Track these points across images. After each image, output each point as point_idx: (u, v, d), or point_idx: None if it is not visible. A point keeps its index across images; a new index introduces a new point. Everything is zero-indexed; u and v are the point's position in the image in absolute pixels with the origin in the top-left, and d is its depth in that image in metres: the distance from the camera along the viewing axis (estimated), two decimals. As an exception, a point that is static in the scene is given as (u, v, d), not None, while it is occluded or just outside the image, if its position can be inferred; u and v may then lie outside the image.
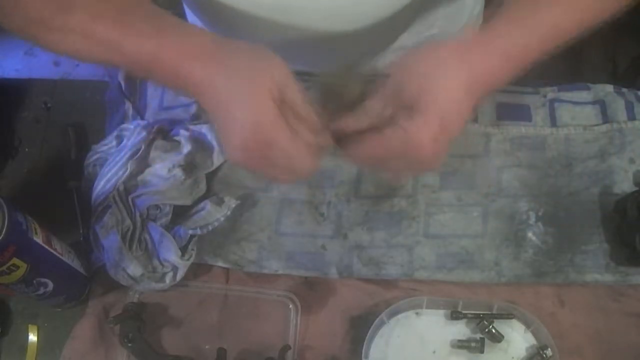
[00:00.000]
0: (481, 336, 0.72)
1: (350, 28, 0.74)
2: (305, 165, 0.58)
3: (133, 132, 0.77)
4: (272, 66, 0.56)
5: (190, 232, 0.73)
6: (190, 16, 0.90)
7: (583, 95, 0.86)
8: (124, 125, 0.80)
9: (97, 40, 0.57)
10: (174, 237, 0.73)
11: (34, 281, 0.66)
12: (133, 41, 0.56)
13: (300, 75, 0.85)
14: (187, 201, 0.76)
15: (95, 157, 0.79)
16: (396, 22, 0.76)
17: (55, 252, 0.67)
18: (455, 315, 0.72)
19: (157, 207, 0.75)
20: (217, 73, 0.55)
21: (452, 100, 0.57)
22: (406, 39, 0.84)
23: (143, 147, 0.75)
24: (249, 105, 0.54)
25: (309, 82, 0.84)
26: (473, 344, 0.72)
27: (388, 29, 0.79)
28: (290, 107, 0.56)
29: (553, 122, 0.84)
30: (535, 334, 0.72)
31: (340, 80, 0.64)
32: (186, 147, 0.77)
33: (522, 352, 0.72)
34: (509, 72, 0.60)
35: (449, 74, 0.57)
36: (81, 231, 0.78)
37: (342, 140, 0.61)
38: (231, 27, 0.79)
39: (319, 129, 0.59)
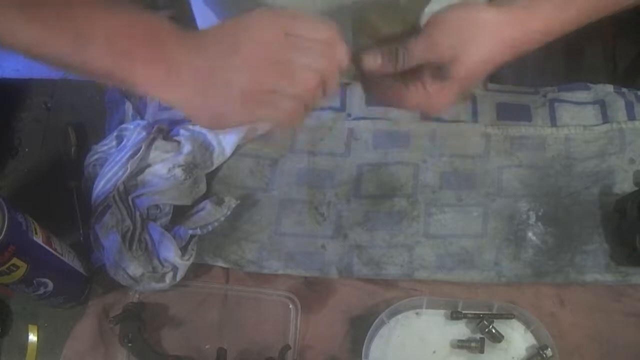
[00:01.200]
0: (481, 336, 0.72)
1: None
2: (339, 54, 0.54)
3: (133, 132, 0.77)
4: (266, 12, 0.52)
5: (190, 232, 0.73)
6: (198, 10, 0.90)
7: (583, 95, 0.86)
8: (124, 125, 0.80)
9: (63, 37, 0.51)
10: (174, 237, 0.73)
11: (34, 281, 0.66)
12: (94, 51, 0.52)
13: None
14: (187, 201, 0.76)
15: (95, 157, 0.79)
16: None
17: (55, 252, 0.67)
18: (455, 315, 0.72)
19: (157, 207, 0.75)
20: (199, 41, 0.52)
21: (479, 64, 0.58)
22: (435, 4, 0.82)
23: (143, 147, 0.75)
24: (254, 43, 0.51)
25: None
26: (473, 344, 0.72)
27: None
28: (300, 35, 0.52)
29: (553, 122, 0.84)
30: (535, 334, 0.72)
31: (379, 13, 0.65)
32: (186, 147, 0.77)
33: (522, 352, 0.72)
34: (542, 41, 0.60)
35: (485, 40, 0.57)
36: (81, 231, 0.78)
37: (364, 75, 0.61)
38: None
39: (337, 45, 0.54)
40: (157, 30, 0.52)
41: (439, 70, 0.58)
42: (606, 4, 0.63)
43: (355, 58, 0.59)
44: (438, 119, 0.84)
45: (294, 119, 0.55)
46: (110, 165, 0.75)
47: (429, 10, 0.67)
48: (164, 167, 0.75)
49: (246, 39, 0.51)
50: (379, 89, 0.62)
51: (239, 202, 0.76)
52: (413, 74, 0.59)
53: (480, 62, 0.58)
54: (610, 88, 0.86)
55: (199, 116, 0.54)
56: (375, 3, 0.73)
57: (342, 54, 0.54)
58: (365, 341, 0.70)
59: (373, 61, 0.59)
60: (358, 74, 0.61)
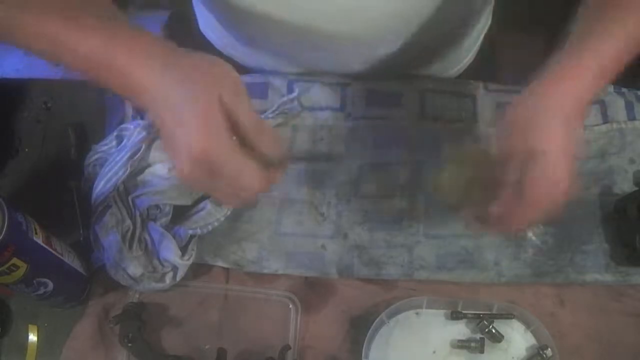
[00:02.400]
0: (481, 336, 0.72)
1: (351, 28, 0.74)
2: (253, 189, 0.55)
3: (133, 132, 0.77)
4: (225, 77, 0.54)
5: (190, 232, 0.73)
6: (200, 11, 0.90)
7: (583, 95, 0.85)
8: (124, 125, 0.80)
9: (45, 36, 0.54)
10: (174, 237, 0.73)
11: (34, 281, 0.66)
12: (82, 38, 0.54)
13: (303, 76, 0.86)
14: (187, 201, 0.76)
15: (95, 157, 0.79)
16: (407, 20, 0.76)
17: (55, 252, 0.67)
18: (455, 315, 0.72)
19: (157, 207, 0.75)
20: (168, 81, 0.53)
21: (570, 134, 0.57)
22: (422, 36, 0.82)
23: (143, 147, 0.75)
24: (196, 125, 0.51)
25: (311, 83, 0.85)
26: (473, 344, 0.72)
27: (399, 28, 0.78)
28: (242, 121, 0.54)
29: (553, 122, 0.84)
30: (535, 334, 0.72)
31: (472, 157, 0.66)
32: None
33: (522, 352, 0.72)
34: (605, 82, 0.61)
35: (560, 117, 0.57)
36: (81, 231, 0.78)
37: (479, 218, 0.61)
38: (247, 26, 0.79)
39: (274, 145, 0.56)
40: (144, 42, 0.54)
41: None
42: None
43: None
44: (438, 119, 0.84)
45: (232, 204, 0.55)
46: (110, 165, 0.75)
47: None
48: (164, 167, 0.75)
49: (190, 116, 0.51)
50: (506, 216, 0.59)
51: None
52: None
53: (563, 127, 0.57)
54: (610, 88, 0.86)
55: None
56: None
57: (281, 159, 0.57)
58: (365, 341, 0.70)
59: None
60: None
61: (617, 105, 0.84)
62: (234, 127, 0.53)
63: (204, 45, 0.93)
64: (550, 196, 0.56)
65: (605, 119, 0.83)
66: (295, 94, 0.83)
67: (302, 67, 0.87)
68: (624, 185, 0.79)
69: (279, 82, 0.86)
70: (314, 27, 0.73)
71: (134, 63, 0.53)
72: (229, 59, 0.88)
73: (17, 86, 0.90)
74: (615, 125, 0.82)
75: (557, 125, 0.56)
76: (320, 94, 0.85)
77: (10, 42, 0.57)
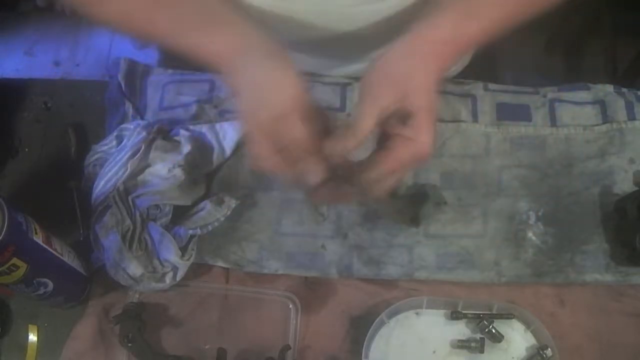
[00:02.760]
0: (481, 336, 0.72)
1: (351, 28, 0.74)
2: (298, 146, 0.58)
3: (133, 132, 0.77)
4: (291, 86, 0.59)
5: (190, 232, 0.73)
6: None
7: (583, 95, 0.86)
8: (124, 125, 0.80)
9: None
10: (173, 237, 0.73)
11: (34, 281, 0.66)
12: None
13: (304, 76, 0.86)
14: (187, 201, 0.76)
15: (95, 157, 0.79)
16: (398, 20, 0.76)
17: (55, 252, 0.67)
18: (455, 315, 0.72)
19: (157, 207, 0.75)
20: (249, 70, 0.59)
21: (433, 94, 0.59)
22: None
23: (143, 147, 0.75)
24: (282, 92, 0.58)
25: (311, 83, 0.85)
26: (473, 344, 0.72)
27: (389, 27, 0.79)
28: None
29: (553, 122, 0.84)
30: (535, 334, 0.72)
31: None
32: (186, 147, 0.77)
33: (522, 352, 0.72)
34: (473, 23, 0.62)
35: (424, 73, 0.59)
36: (81, 231, 0.78)
37: (343, 176, 0.61)
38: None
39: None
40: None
41: (399, 115, 0.58)
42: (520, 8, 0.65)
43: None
44: (438, 119, 0.84)
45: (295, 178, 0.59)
46: (110, 165, 0.75)
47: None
48: (164, 167, 0.75)
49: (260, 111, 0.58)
50: (372, 173, 0.61)
51: (239, 202, 0.76)
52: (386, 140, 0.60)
53: (432, 83, 0.59)
54: (610, 88, 0.86)
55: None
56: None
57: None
58: (365, 341, 0.70)
59: (350, 144, 0.59)
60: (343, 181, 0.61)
61: (617, 105, 0.84)
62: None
63: None
64: (415, 158, 0.58)
65: (605, 119, 0.83)
66: None
67: (302, 66, 0.88)
68: (624, 185, 0.79)
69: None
70: (313, 25, 0.74)
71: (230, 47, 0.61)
72: None
73: (17, 86, 0.90)
74: (615, 125, 0.82)
75: (422, 77, 0.58)
76: (320, 94, 0.85)
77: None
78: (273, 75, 0.59)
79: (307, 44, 0.78)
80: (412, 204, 0.78)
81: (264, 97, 0.58)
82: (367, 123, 0.58)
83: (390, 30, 0.79)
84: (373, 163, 0.59)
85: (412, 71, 0.59)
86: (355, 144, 0.58)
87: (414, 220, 0.76)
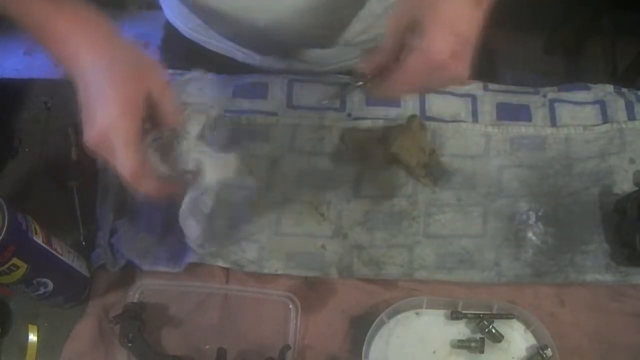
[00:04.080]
0: (481, 336, 0.72)
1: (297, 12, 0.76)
2: (125, 167, 0.58)
3: None
4: (149, 75, 0.58)
5: None
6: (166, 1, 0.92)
7: (583, 95, 0.86)
8: None
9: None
10: None
11: (34, 281, 0.66)
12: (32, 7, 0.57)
13: (303, 75, 0.87)
14: None
15: None
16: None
17: (55, 252, 0.67)
18: (455, 315, 0.72)
19: None
20: (98, 61, 0.57)
21: (458, 10, 0.57)
22: (375, 5, 0.84)
23: None
24: (108, 108, 0.56)
25: (311, 82, 0.85)
26: (473, 344, 0.72)
27: (338, 9, 0.81)
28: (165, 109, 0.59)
29: (553, 122, 0.84)
30: (535, 334, 0.72)
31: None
32: None
33: (522, 352, 0.72)
34: None
35: None
36: (81, 231, 0.78)
37: (369, 83, 0.63)
38: (208, 13, 0.81)
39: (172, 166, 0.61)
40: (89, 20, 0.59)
41: (420, 32, 0.56)
42: None
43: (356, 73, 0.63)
44: (438, 119, 0.84)
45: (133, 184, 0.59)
46: None
47: None
48: None
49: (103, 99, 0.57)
50: (386, 86, 0.62)
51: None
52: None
53: (458, 2, 0.57)
54: (610, 88, 0.86)
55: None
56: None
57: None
58: (365, 341, 0.70)
59: (374, 60, 0.61)
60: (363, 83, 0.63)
61: (617, 105, 0.84)
62: (155, 115, 0.59)
63: (172, 34, 0.97)
64: (427, 71, 0.57)
65: (605, 119, 0.83)
66: None
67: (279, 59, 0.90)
68: (624, 185, 0.79)
69: (279, 82, 0.86)
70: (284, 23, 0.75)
71: (74, 37, 0.57)
72: (197, 45, 0.93)
73: (17, 86, 0.90)
74: (615, 125, 0.82)
75: (463, 10, 0.56)
76: (320, 94, 0.85)
77: None
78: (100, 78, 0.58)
79: (275, 20, 0.80)
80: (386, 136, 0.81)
81: (90, 111, 0.58)
82: (385, 42, 0.59)
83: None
84: (387, 77, 0.60)
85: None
86: (379, 62, 0.60)
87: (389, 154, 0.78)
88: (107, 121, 0.56)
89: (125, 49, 0.59)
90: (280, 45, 0.88)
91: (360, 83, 0.63)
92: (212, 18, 0.85)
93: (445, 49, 0.55)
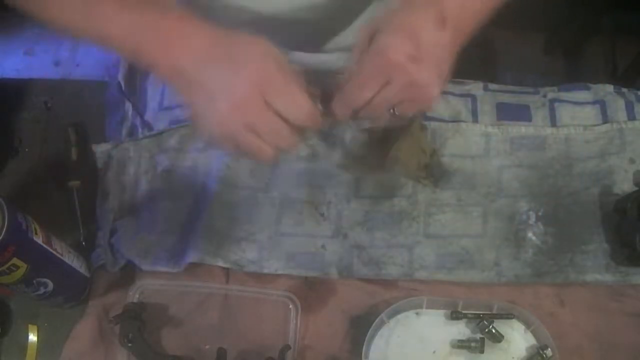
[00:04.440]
0: (481, 336, 0.72)
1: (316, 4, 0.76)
2: (285, 144, 0.57)
3: None
4: (263, 55, 0.55)
5: None
6: None
7: (583, 95, 0.86)
8: None
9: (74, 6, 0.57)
10: None
11: (34, 281, 0.66)
12: (114, 11, 0.56)
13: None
14: None
15: None
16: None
17: (55, 252, 0.67)
18: (455, 315, 0.72)
19: None
20: (208, 67, 0.55)
21: (418, 21, 0.57)
22: (373, 12, 0.85)
23: None
24: (231, 92, 0.54)
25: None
26: (473, 344, 0.72)
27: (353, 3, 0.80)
28: (280, 92, 0.56)
29: (553, 122, 0.84)
30: (535, 334, 0.72)
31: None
32: None
33: (522, 352, 0.72)
34: (479, 12, 0.60)
35: (416, 10, 0.57)
36: (81, 231, 0.78)
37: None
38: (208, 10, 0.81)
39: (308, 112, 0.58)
40: (180, 20, 0.56)
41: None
42: None
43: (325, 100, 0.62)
44: (438, 119, 0.84)
45: (263, 157, 0.58)
46: None
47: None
48: None
49: (238, 79, 0.54)
50: (345, 97, 0.61)
51: None
52: None
53: (422, 20, 0.57)
54: (610, 88, 0.86)
55: (187, 103, 0.57)
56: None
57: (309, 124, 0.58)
58: (365, 341, 0.70)
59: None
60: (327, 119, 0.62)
61: (617, 105, 0.84)
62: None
63: None
64: (381, 70, 0.57)
65: (605, 119, 0.83)
66: None
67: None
68: (624, 185, 0.79)
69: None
70: (286, 17, 0.75)
71: (175, 46, 0.55)
72: None
73: (17, 86, 0.90)
74: (615, 125, 0.82)
75: (408, 12, 0.57)
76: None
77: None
78: (221, 51, 0.55)
79: (275, 23, 0.79)
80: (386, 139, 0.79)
81: (215, 83, 0.54)
82: (352, 60, 0.58)
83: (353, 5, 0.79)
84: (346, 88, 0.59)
85: (399, 10, 0.58)
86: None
87: (387, 157, 0.77)
88: (231, 103, 0.54)
89: (232, 47, 0.56)
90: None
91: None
92: (211, 12, 0.84)
93: (400, 49, 0.55)
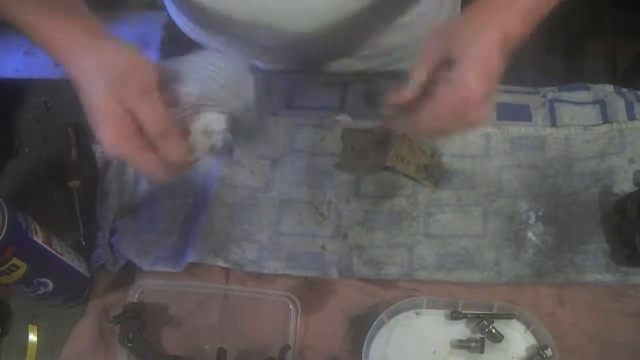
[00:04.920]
0: (481, 336, 0.72)
1: (321, 26, 0.76)
2: (162, 179, 0.57)
3: None
4: (133, 74, 0.55)
5: None
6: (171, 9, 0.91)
7: (583, 95, 0.86)
8: None
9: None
10: None
11: (34, 281, 0.66)
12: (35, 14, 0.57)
13: (304, 75, 0.87)
14: None
15: None
16: (369, 18, 0.78)
17: (55, 252, 0.67)
18: (455, 315, 0.72)
19: None
20: (86, 67, 0.56)
21: (490, 51, 0.58)
22: (383, 36, 0.85)
23: None
24: (104, 126, 0.54)
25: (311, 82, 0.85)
26: (473, 344, 0.72)
27: (362, 26, 0.81)
28: (146, 124, 0.55)
29: (553, 122, 0.84)
30: (535, 334, 0.72)
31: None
32: None
33: (522, 352, 0.72)
34: (527, 29, 0.61)
35: (480, 32, 0.58)
36: (81, 231, 0.78)
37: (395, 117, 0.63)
38: (216, 28, 0.80)
39: (176, 150, 0.56)
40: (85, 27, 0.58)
41: (451, 65, 0.58)
42: None
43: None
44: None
45: (152, 172, 0.56)
46: None
47: None
48: None
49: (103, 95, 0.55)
50: (418, 118, 0.61)
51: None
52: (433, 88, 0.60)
53: (487, 43, 0.58)
54: (610, 88, 0.86)
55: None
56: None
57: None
58: (365, 341, 0.70)
59: (405, 93, 0.60)
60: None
61: (617, 105, 0.84)
62: (141, 129, 0.54)
63: (172, 34, 0.96)
64: (458, 106, 0.57)
65: (605, 119, 0.83)
66: None
67: (281, 64, 0.90)
68: (624, 185, 0.79)
69: (279, 82, 0.86)
70: (279, 26, 0.75)
71: (66, 42, 0.57)
72: (197, 46, 0.92)
73: (17, 86, 0.90)
74: (615, 125, 0.82)
75: (478, 35, 0.58)
76: (319, 94, 0.85)
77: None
78: (122, 52, 0.56)
79: (282, 43, 0.79)
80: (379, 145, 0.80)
81: (114, 76, 0.54)
82: (418, 75, 0.59)
83: (361, 28, 0.79)
84: (419, 108, 0.59)
85: (465, 30, 0.59)
86: (411, 95, 0.59)
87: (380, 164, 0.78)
88: (109, 139, 0.54)
89: (106, 54, 0.57)
90: (292, 52, 0.87)
91: (388, 114, 0.62)
92: (215, 20, 0.85)
93: (479, 87, 0.56)
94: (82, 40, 0.57)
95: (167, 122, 0.54)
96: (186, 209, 0.79)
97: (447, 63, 0.58)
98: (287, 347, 0.70)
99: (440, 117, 0.59)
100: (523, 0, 0.60)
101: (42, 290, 0.67)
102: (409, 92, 0.60)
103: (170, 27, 0.98)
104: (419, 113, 0.59)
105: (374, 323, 0.71)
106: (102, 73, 0.55)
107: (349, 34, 0.81)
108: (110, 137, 0.54)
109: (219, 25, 0.80)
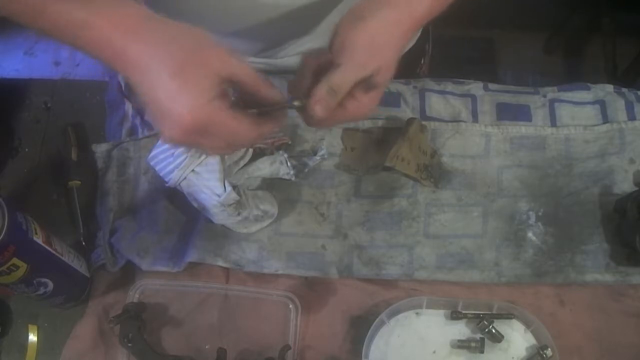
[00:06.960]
0: (481, 336, 0.72)
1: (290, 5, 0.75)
2: (248, 143, 0.60)
3: None
4: (212, 50, 0.55)
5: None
6: None
7: (583, 95, 0.86)
8: None
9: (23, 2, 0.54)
10: None
11: (34, 281, 0.66)
12: (61, 6, 0.54)
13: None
14: None
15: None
16: None
17: (55, 252, 0.67)
18: (455, 315, 0.72)
19: None
20: (153, 53, 0.53)
21: (395, 62, 0.61)
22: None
23: None
24: (185, 92, 0.53)
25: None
26: (473, 344, 0.72)
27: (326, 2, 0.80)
28: (241, 77, 0.56)
29: (553, 122, 0.84)
30: (535, 334, 0.72)
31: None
32: None
33: (522, 352, 0.72)
34: (429, 14, 0.63)
35: (393, 40, 0.60)
36: (81, 231, 0.78)
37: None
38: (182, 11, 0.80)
39: (272, 91, 0.59)
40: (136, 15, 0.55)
41: (366, 84, 0.60)
42: None
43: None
44: (438, 119, 0.84)
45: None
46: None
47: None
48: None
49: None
50: (327, 120, 0.62)
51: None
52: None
53: (395, 60, 0.61)
54: (610, 88, 0.86)
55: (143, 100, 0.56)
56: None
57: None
58: (365, 341, 0.70)
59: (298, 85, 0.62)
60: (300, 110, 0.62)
61: (617, 105, 0.84)
62: (233, 85, 0.56)
63: None
64: (357, 117, 0.63)
65: (605, 119, 0.83)
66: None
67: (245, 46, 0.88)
68: (624, 185, 0.79)
69: (277, 83, 0.86)
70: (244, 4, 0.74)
71: (122, 37, 0.54)
72: None
73: (17, 86, 0.90)
74: (615, 125, 0.82)
75: (394, 52, 0.60)
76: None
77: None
78: (176, 77, 0.53)
79: (248, 29, 0.78)
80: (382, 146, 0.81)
81: (165, 108, 0.54)
82: (347, 87, 0.59)
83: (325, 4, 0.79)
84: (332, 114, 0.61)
85: (389, 44, 0.60)
86: (335, 103, 0.59)
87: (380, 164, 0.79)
88: (188, 111, 0.53)
89: (176, 31, 0.55)
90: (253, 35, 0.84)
91: (297, 103, 0.61)
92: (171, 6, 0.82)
93: (370, 65, 0.58)
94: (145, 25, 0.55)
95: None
96: (186, 209, 0.79)
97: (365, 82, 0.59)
98: (287, 347, 0.70)
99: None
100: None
101: (42, 290, 0.67)
102: (334, 101, 0.60)
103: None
104: (332, 115, 0.61)
105: (374, 323, 0.71)
106: (178, 51, 0.53)
107: (310, 12, 0.79)
108: (191, 107, 0.53)
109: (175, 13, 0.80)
